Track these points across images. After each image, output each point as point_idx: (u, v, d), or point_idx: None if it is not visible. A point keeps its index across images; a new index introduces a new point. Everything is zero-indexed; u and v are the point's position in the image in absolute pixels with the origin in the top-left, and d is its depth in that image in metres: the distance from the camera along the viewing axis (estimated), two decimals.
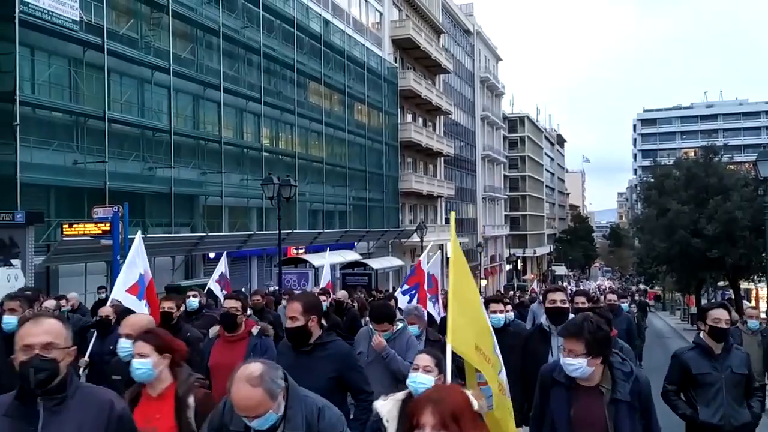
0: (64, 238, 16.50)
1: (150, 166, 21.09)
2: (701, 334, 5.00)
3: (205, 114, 24.41)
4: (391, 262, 37.24)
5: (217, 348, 5.19)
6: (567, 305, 5.01)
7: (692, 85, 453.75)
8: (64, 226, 16.53)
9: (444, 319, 8.80)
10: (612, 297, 9.75)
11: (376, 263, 33.16)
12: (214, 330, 5.49)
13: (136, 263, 8.03)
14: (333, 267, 32.89)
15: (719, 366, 4.81)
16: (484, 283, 54.93)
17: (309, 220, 31.00)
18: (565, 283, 73.01)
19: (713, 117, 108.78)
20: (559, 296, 5.11)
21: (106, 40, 18.91)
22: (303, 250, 28.96)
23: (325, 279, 14.12)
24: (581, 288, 51.46)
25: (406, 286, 9.58)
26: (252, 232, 25.53)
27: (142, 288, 7.85)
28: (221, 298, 10.61)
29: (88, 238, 16.15)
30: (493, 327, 6.51)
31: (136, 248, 8.27)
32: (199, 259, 24.29)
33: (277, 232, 19.39)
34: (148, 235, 20.04)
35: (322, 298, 10.02)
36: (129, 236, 16.29)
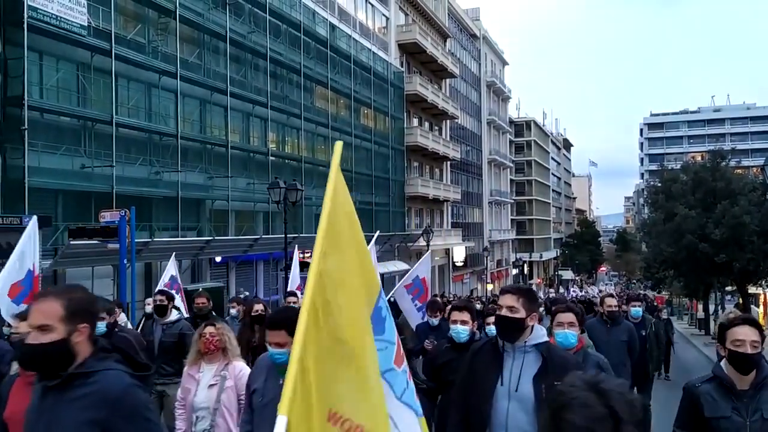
0: (72, 242, 16.57)
1: (157, 170, 21.16)
2: (722, 363, 3.59)
3: (211, 118, 24.49)
4: (398, 266, 37.21)
5: (14, 392, 3.48)
6: (521, 315, 3.49)
7: (700, 89, 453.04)
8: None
9: (421, 327, 7.97)
10: (611, 302, 7.67)
11: (382, 267, 33.09)
12: (15, 366, 3.81)
13: (26, 255, 6.49)
14: None
15: (744, 408, 3.41)
16: (490, 287, 54.81)
17: (315, 224, 30.97)
18: (570, 288, 72.75)
19: (720, 121, 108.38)
20: (507, 301, 3.56)
21: (113, 44, 19.01)
22: (309, 254, 28.96)
23: (294, 281, 12.63)
24: (562, 295, 49.91)
25: (418, 303, 8.97)
26: (258, 236, 25.57)
27: (26, 288, 6.32)
28: (177, 299, 9.69)
29: (95, 242, 16.22)
30: (453, 340, 5.23)
31: (29, 235, 6.65)
32: (205, 263, 24.33)
33: (284, 236, 19.42)
34: (155, 239, 20.16)
35: (292, 299, 9.19)
36: (136, 240, 16.39)
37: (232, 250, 24.87)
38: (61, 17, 17.07)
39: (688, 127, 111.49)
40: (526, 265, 75.33)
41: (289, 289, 11.22)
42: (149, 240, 19.80)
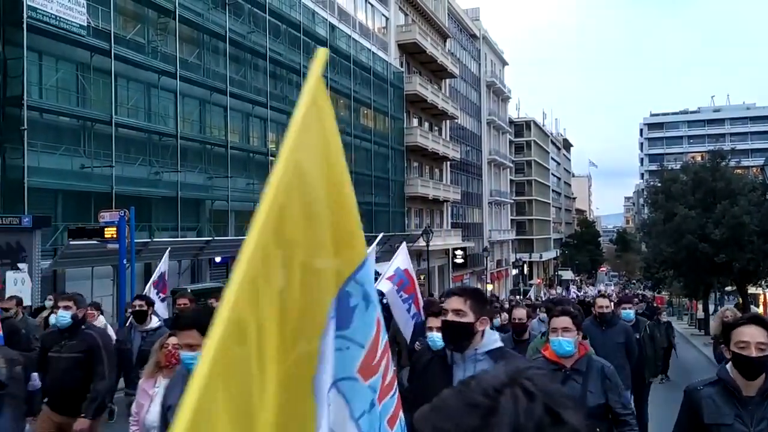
0: (71, 242, 16.57)
1: (156, 171, 21.16)
2: (728, 366, 3.25)
3: (211, 118, 24.49)
4: None
5: None
6: (469, 319, 3.20)
7: (700, 89, 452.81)
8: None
9: (418, 326, 7.63)
10: (603, 303, 7.33)
11: (382, 268, 33.08)
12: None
13: None
14: None
15: (748, 416, 3.08)
16: (490, 287, 54.80)
17: None
18: (570, 288, 72.77)
19: (720, 121, 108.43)
20: (452, 304, 3.28)
21: (113, 45, 19.01)
22: None
23: None
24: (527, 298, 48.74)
25: (404, 295, 8.48)
26: None
27: None
28: (158, 303, 9.53)
29: (95, 242, 16.22)
30: (430, 349, 4.50)
31: None
32: (205, 264, 24.33)
33: None
34: (155, 239, 20.15)
35: None
36: (135, 240, 16.37)
37: (231, 251, 24.81)
38: (60, 17, 17.07)
39: (688, 127, 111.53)
40: (525, 266, 75.32)
41: None
42: (149, 240, 19.79)
